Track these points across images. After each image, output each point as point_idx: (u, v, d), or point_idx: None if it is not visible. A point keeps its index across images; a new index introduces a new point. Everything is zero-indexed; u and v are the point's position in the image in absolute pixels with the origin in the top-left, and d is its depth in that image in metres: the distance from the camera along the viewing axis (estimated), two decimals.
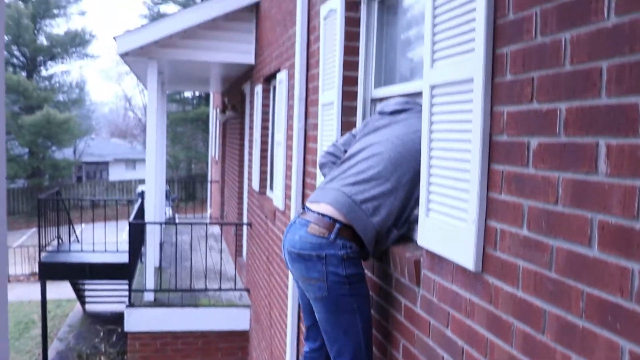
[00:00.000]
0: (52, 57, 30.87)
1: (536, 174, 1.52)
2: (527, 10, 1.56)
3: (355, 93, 3.25)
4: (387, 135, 2.40)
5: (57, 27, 31.39)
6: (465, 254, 1.79)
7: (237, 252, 8.47)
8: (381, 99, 3.09)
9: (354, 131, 2.73)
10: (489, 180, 1.73)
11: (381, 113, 2.57)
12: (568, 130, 1.41)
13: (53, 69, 31.85)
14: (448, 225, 1.92)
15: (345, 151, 2.62)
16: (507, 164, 1.64)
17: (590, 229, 1.33)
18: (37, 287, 10.51)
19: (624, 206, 1.23)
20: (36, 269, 11.09)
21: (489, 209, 1.73)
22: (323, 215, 2.27)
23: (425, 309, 2.14)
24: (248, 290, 7.58)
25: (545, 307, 1.47)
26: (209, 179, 16.12)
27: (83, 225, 12.73)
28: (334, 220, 2.25)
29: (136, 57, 7.04)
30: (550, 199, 1.46)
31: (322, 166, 2.75)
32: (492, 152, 1.71)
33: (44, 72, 31.79)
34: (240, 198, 9.10)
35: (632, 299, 1.21)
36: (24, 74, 29.51)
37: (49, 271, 9.08)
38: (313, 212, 2.32)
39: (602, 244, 1.29)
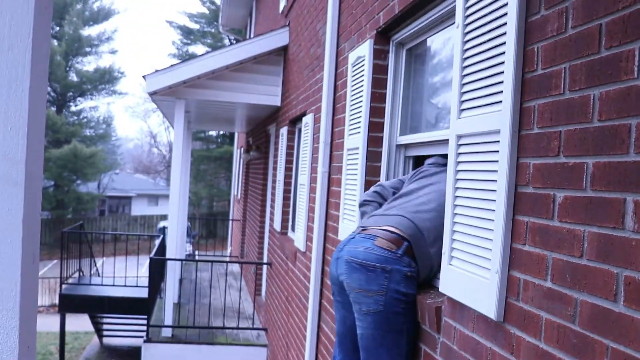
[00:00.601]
0: (82, 94, 31.64)
1: (561, 227, 1.53)
2: (556, 66, 1.60)
3: (381, 139, 3.29)
4: (440, 180, 2.47)
5: (88, 64, 32.00)
6: (487, 303, 1.79)
7: (256, 291, 8.47)
8: (406, 145, 3.13)
9: (402, 177, 2.79)
10: (513, 231, 1.74)
11: (431, 164, 2.64)
12: (595, 185, 1.42)
13: (82, 104, 32.59)
14: (471, 274, 1.92)
15: (394, 193, 2.67)
16: (532, 216, 1.66)
17: (616, 284, 1.33)
18: (56, 318, 10.55)
19: None
20: (56, 301, 11.17)
21: (513, 259, 1.73)
22: (391, 232, 2.30)
23: (445, 356, 2.13)
24: (266, 330, 7.54)
25: None
26: (231, 216, 16.21)
27: (104, 258, 12.82)
28: (403, 238, 2.28)
29: (164, 96, 7.20)
30: (576, 253, 1.47)
31: (365, 204, 2.76)
32: (517, 203, 1.73)
33: (73, 108, 32.56)
34: (261, 237, 9.13)
35: None
36: (54, 108, 30.22)
37: (69, 303, 9.13)
38: (378, 229, 2.34)
39: (628, 300, 1.30)
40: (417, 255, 2.30)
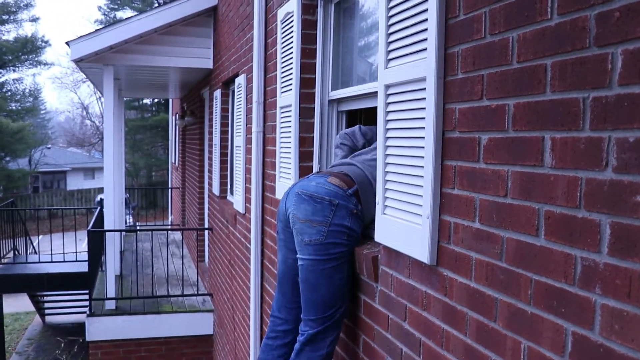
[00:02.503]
0: (2, 65, 30.08)
1: (487, 169, 1.58)
2: (477, 11, 1.62)
3: (313, 94, 3.29)
4: None
5: (7, 33, 30.27)
6: (420, 248, 1.84)
7: (199, 257, 8.42)
8: (338, 100, 3.13)
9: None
10: (442, 175, 1.78)
11: None
12: (516, 125, 1.46)
13: (4, 77, 30.95)
14: (403, 221, 1.96)
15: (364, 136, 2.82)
16: (460, 160, 1.70)
17: (537, 219, 1.39)
18: None
19: (567, 196, 1.29)
20: None
21: (443, 203, 1.78)
22: (344, 174, 2.45)
23: (384, 304, 2.18)
24: (211, 295, 7.54)
25: (497, 296, 1.53)
26: (169, 185, 15.96)
27: (40, 237, 12.43)
28: (353, 181, 2.42)
29: (91, 64, 6.94)
30: (501, 192, 1.52)
31: (338, 147, 2.88)
32: (445, 148, 1.77)
33: None
34: (201, 203, 9.05)
35: (575, 283, 1.27)
36: None
37: (5, 283, 8.86)
38: (331, 172, 2.49)
39: (548, 233, 1.35)
40: (363, 200, 2.40)
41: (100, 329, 7.05)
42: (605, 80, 1.19)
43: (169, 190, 15.80)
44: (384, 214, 2.11)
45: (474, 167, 1.63)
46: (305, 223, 2.35)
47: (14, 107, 30.96)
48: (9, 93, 31.30)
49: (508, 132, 1.49)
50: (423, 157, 1.82)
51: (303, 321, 2.43)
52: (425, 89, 1.81)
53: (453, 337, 1.73)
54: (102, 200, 9.04)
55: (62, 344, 10.78)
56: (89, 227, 7.68)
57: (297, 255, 2.41)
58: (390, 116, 2.07)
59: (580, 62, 1.26)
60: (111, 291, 7.18)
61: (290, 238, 2.53)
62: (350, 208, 2.34)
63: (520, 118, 1.45)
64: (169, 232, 12.28)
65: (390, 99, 2.07)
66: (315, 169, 3.25)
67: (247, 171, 4.75)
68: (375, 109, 2.49)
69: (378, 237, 2.16)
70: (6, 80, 31.34)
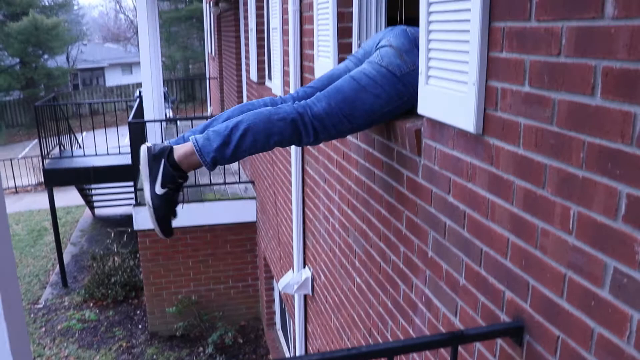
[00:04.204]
0: None
1: (539, 27, 1.47)
2: None
3: None
4: None
5: None
6: (465, 117, 1.77)
7: None
8: None
9: None
10: (490, 39, 1.67)
11: None
12: None
13: None
14: (448, 90, 1.88)
15: None
16: (509, 20, 1.58)
17: (594, 77, 1.30)
18: (45, 196, 10.66)
19: (630, 48, 1.19)
20: (42, 179, 11.19)
21: (490, 68, 1.68)
22: None
23: (427, 178, 2.15)
24: (253, 182, 7.66)
25: (546, 162, 1.47)
26: (207, 75, 15.89)
27: (84, 133, 12.70)
28: None
29: None
30: (554, 51, 1.42)
31: None
32: (493, 8, 1.65)
33: None
34: (240, 92, 9.00)
35: (632, 143, 1.20)
36: None
37: (54, 177, 9.16)
38: None
39: (605, 91, 1.27)
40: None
41: (146, 218, 7.28)
42: None
43: (207, 81, 15.74)
44: (427, 84, 2.03)
45: (525, 27, 1.52)
46: (395, 51, 2.24)
47: (46, 3, 30.70)
48: None
49: None
50: (469, 20, 1.71)
51: (313, 97, 2.25)
52: None
53: (499, 206, 1.69)
54: (141, 93, 9.07)
55: (112, 235, 11.26)
56: (130, 119, 7.77)
57: (358, 67, 2.30)
58: None
59: None
60: None
61: (358, 61, 2.42)
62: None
63: None
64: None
65: None
66: (354, 45, 3.13)
67: (285, 53, 4.64)
68: None
69: (421, 109, 2.09)
70: None
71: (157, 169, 2.11)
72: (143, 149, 2.13)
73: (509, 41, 1.59)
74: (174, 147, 2.14)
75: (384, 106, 2.24)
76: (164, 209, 2.17)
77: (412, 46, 2.25)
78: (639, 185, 1.19)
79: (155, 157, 2.11)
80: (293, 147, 4.28)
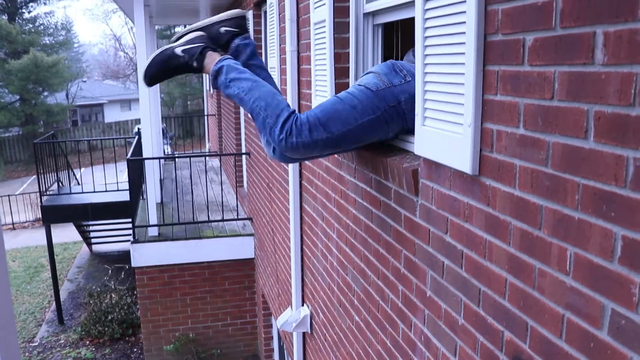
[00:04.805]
0: None
1: (532, 71, 1.50)
2: None
3: (347, 8, 3.17)
4: None
5: None
6: (462, 158, 1.79)
7: (238, 182, 8.52)
8: (374, 13, 3.02)
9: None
10: (484, 82, 1.71)
11: None
12: (564, 21, 1.38)
13: (36, 10, 31.03)
14: (444, 131, 1.91)
15: None
16: (503, 64, 1.62)
17: (587, 120, 1.32)
18: (42, 232, 10.65)
19: (620, 94, 1.22)
20: (39, 215, 11.18)
21: (485, 111, 1.72)
22: None
23: (425, 217, 2.16)
24: (251, 219, 7.67)
25: (542, 203, 1.49)
26: (206, 112, 16.02)
27: (82, 169, 12.75)
28: None
29: None
30: (547, 95, 1.45)
31: None
32: (487, 52, 1.69)
33: (26, 15, 30.97)
34: (238, 129, 9.07)
35: (626, 185, 1.22)
36: (5, 17, 28.76)
37: (52, 214, 9.16)
38: None
39: (598, 135, 1.29)
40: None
41: (144, 255, 7.28)
42: None
43: (205, 117, 15.85)
44: (424, 125, 2.06)
45: (518, 71, 1.55)
46: (375, 74, 2.44)
47: (47, 42, 31.10)
48: (42, 27, 31.42)
49: (555, 30, 1.41)
50: (464, 63, 1.75)
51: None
52: None
53: (496, 247, 1.70)
54: (139, 130, 9.13)
55: (110, 271, 11.21)
56: (128, 156, 7.80)
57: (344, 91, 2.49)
58: (429, 23, 1.98)
59: None
60: (153, 218, 7.36)
61: None
62: (413, 94, 2.34)
63: (569, 13, 1.36)
64: (207, 158, 12.43)
65: (429, 5, 1.97)
66: (351, 85, 3.18)
67: (283, 92, 4.70)
68: (412, 20, 2.39)
69: (418, 149, 2.12)
70: (38, 14, 31.43)
71: (193, 44, 2.57)
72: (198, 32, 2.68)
73: (503, 84, 1.63)
74: (211, 52, 2.58)
75: (358, 118, 2.36)
76: (160, 65, 2.56)
77: (390, 70, 2.45)
78: (634, 227, 1.20)
79: (201, 38, 2.64)
80: (292, 186, 4.30)
